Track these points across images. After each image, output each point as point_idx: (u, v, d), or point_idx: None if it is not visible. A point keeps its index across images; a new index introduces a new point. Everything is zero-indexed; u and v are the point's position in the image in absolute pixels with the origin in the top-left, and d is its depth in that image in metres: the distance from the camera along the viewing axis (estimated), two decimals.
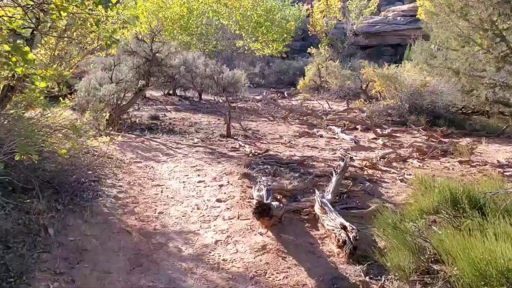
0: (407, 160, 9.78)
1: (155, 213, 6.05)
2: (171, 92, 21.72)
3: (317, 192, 6.19)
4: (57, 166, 6.42)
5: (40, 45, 9.37)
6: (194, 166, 8.54)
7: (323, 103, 18.81)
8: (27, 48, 4.18)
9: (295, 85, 29.13)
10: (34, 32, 8.47)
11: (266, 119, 15.66)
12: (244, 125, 13.13)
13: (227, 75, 21.87)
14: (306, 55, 36.97)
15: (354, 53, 34.76)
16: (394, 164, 9.33)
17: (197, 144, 10.58)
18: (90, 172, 7.26)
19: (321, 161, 9.10)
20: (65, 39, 8.27)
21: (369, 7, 35.82)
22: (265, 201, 5.49)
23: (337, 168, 7.42)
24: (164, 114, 15.55)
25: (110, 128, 11.69)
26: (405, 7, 38.62)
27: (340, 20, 38.01)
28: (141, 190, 6.92)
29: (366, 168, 8.74)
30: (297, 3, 40.38)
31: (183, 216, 5.98)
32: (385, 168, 8.82)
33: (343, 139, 11.84)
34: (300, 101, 21.19)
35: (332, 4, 36.85)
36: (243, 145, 10.47)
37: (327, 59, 24.64)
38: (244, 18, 32.69)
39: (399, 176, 8.24)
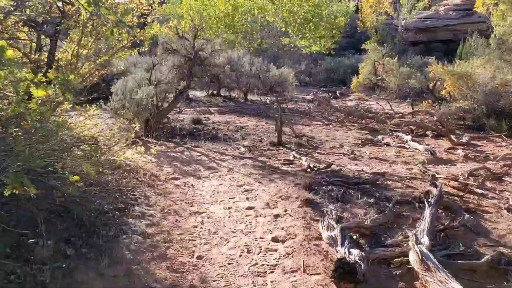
0: (503, 178, 7.87)
1: (192, 257, 4.60)
2: (215, 92, 20.47)
3: (410, 235, 4.54)
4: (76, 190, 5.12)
5: (65, 43, 8.25)
6: (241, 185, 7.07)
7: (383, 104, 16.88)
8: (2, 43, 2.83)
9: (346, 84, 27.30)
10: (57, 27, 7.33)
11: (320, 123, 14.00)
12: (296, 130, 11.54)
13: (274, 73, 20.43)
14: (354, 52, 34.93)
15: (405, 50, 32.43)
16: (488, 184, 7.47)
17: (244, 155, 9.12)
18: (117, 195, 5.97)
19: (396, 180, 7.38)
20: (92, 35, 7.06)
21: (422, 0, 33.37)
22: (347, 257, 3.91)
23: (427, 197, 5.72)
24: (207, 117, 14.23)
25: (148, 135, 10.49)
26: (458, 0, 35.57)
27: (390, 15, 35.84)
28: (176, 220, 5.52)
29: (455, 190, 6.96)
30: (340, 1, 38.54)
31: (229, 263, 4.50)
32: (480, 191, 6.99)
33: (415, 149, 9.99)
34: (355, 102, 19.36)
35: None
36: (298, 156, 8.91)
37: (384, 56, 22.58)
38: (291, 14, 31.13)
39: (503, 204, 6.40)
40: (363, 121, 14.12)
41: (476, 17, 29.14)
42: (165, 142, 10.21)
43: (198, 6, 33.12)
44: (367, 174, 7.66)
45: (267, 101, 18.87)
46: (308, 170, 7.90)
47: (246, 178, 7.43)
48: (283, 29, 32.30)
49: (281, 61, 32.01)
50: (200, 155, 9.02)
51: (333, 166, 8.12)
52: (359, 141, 11.16)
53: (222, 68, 13.63)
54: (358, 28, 35.29)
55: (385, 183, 7.11)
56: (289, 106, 17.93)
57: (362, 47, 30.15)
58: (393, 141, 11.07)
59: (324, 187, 6.62)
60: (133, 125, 7.98)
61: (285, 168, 8.18)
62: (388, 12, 35.27)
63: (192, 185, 7.10)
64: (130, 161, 7.49)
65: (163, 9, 34.62)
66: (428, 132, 12.08)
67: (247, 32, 32.71)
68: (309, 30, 31.80)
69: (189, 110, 16.00)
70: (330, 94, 22.29)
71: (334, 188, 6.56)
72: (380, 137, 11.46)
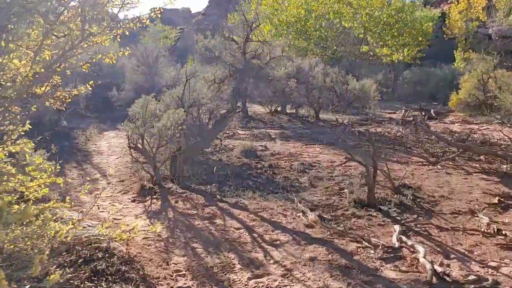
0: None
1: None
2: (279, 109, 16.96)
3: None
4: None
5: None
6: None
7: (504, 131, 12.32)
8: None
9: (438, 100, 22.74)
10: None
11: (422, 160, 9.91)
12: (390, 172, 7.62)
13: (353, 86, 16.55)
14: (441, 62, 30.13)
15: (502, 60, 27.20)
16: None
17: (312, 233, 5.45)
18: None
19: None
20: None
21: None
22: None
23: None
24: (265, 146, 10.71)
25: (174, 179, 7.22)
26: None
27: (483, 21, 30.98)
28: None
29: None
30: (425, 7, 33.95)
31: None
32: None
33: None
34: (459, 125, 14.92)
35: (475, 3, 29.99)
36: (408, 242, 5.09)
37: (495, 67, 17.81)
38: (371, 19, 27.10)
39: None
40: (484, 158, 9.88)
41: None
42: (194, 192, 6.86)
43: (268, 11, 30.15)
44: None
45: (345, 121, 15.03)
46: (435, 281, 4.10)
47: None
48: (361, 35, 28.37)
49: (356, 71, 27.88)
50: (239, 228, 5.50)
51: (479, 271, 4.21)
52: (494, 198, 7.06)
53: (287, 81, 10.02)
54: (445, 36, 31.05)
55: None
56: (374, 129, 13.97)
57: (460, 56, 25.71)
58: None
59: None
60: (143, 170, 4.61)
61: (390, 274, 4.39)
62: (481, 18, 30.80)
63: None
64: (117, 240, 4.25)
65: (234, 17, 32.03)
66: None
67: (321, 39, 29.14)
68: (391, 37, 27.63)
69: (244, 133, 12.62)
70: (423, 113, 17.87)
71: None
72: None
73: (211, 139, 7.73)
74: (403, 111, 18.34)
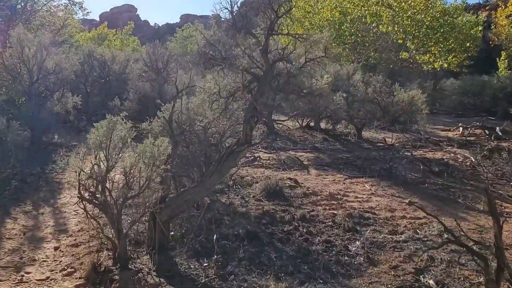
0: None
1: None
2: (312, 124, 14.13)
3: None
4: None
5: None
6: None
7: None
8: None
9: (494, 113, 19.75)
10: None
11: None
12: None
13: (401, 98, 13.56)
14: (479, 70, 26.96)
15: None
16: None
17: None
18: None
19: None
20: None
21: None
22: None
23: None
24: (295, 181, 7.95)
25: (154, 248, 4.55)
26: None
27: None
28: None
29: None
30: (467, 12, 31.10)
31: None
32: None
33: None
34: None
35: None
36: None
37: None
38: (413, 22, 24.02)
39: None
40: None
41: None
42: (178, 279, 4.16)
43: (300, 14, 27.50)
44: None
45: (394, 143, 12.06)
46: None
47: None
48: (400, 41, 25.30)
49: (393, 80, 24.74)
50: None
51: None
52: None
53: (326, 91, 7.17)
54: (490, 42, 28.47)
55: None
56: (430, 155, 10.97)
57: (504, 64, 23.02)
58: None
59: None
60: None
61: None
62: None
63: None
64: None
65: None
66: None
67: (357, 43, 26.28)
68: (435, 42, 24.52)
69: (268, 158, 9.86)
70: (486, 130, 14.68)
71: None
72: None
73: (212, 185, 4.97)
74: (460, 128, 15.22)
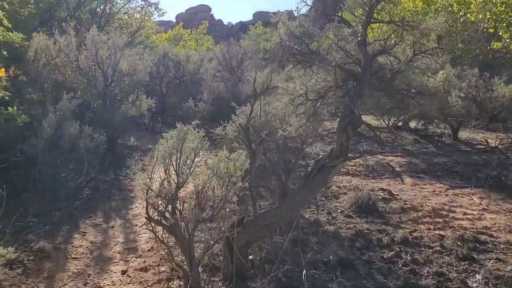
0: None
1: None
2: (400, 124, 12.80)
3: None
4: None
5: None
6: None
7: None
8: None
9: None
10: None
11: None
12: None
13: (501, 92, 11.81)
14: None
15: None
16: None
17: None
18: None
19: None
20: None
21: None
22: None
23: None
24: (389, 192, 6.90)
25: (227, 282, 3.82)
26: None
27: None
28: None
29: None
30: None
31: None
32: None
33: None
34: None
35: None
36: None
37: None
38: (508, 8, 21.40)
39: None
40: None
41: None
42: None
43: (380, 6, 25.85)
44: None
45: (498, 145, 10.46)
46: None
47: None
48: (491, 30, 22.72)
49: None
50: None
51: None
52: None
53: (440, 90, 6.02)
54: None
55: None
56: None
57: None
58: None
59: None
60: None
61: None
62: None
63: None
64: None
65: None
66: None
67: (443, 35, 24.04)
68: None
69: (354, 164, 8.84)
70: None
71: None
72: None
73: (299, 206, 4.13)
74: None
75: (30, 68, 8.28)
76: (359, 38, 3.81)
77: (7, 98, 6.02)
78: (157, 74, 14.92)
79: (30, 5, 11.68)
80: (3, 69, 6.48)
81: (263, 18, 57.63)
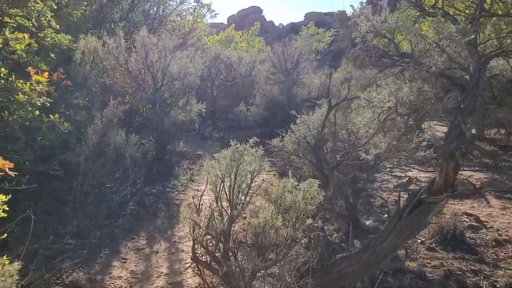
0: None
1: None
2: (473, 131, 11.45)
3: None
4: None
5: None
6: None
7: None
8: None
9: None
10: None
11: None
12: None
13: None
14: None
15: None
16: None
17: None
18: None
19: None
20: None
21: None
22: None
23: None
24: (475, 218, 5.83)
25: None
26: None
27: None
28: None
29: None
30: None
31: None
32: None
33: None
34: None
35: None
36: None
37: None
38: None
39: None
40: None
41: None
42: None
43: None
44: None
45: None
46: None
47: None
48: None
49: None
50: None
51: None
52: None
53: None
54: None
55: None
56: None
57: None
58: None
59: None
60: None
61: None
62: None
63: None
64: None
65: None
66: None
67: None
68: None
69: (426, 179, 7.76)
70: None
71: None
72: None
73: (389, 253, 3.23)
74: None
75: (76, 71, 7.87)
76: (472, 37, 2.88)
77: (48, 104, 5.53)
78: (208, 76, 14.38)
79: (83, 7, 11.43)
80: (46, 73, 6.03)
81: (315, 19, 56.40)
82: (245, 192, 3.38)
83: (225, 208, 3.28)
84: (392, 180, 8.00)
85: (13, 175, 3.55)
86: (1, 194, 3.32)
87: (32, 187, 5.62)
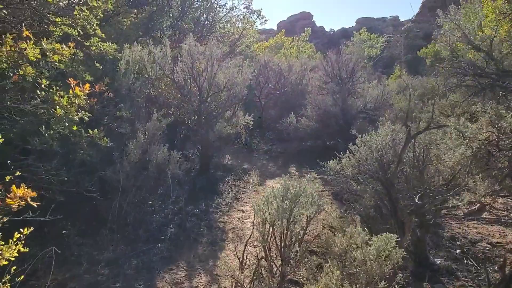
0: None
1: None
2: None
3: None
4: None
5: None
6: None
7: None
8: None
9: None
10: None
11: None
12: None
13: None
14: None
15: None
16: None
17: None
18: None
19: None
20: None
21: None
22: None
23: None
24: None
25: None
26: None
27: None
28: None
29: None
30: None
31: None
32: None
33: None
34: None
35: None
36: None
37: None
38: None
39: None
40: None
41: None
42: None
43: None
44: None
45: None
46: None
47: None
48: None
49: None
50: None
51: None
52: None
53: None
54: None
55: None
56: None
57: None
58: None
59: None
60: None
61: None
62: None
63: None
64: None
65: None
66: None
67: None
68: None
69: (502, 206, 6.79)
70: None
71: None
72: None
73: None
74: None
75: (121, 81, 7.54)
76: None
77: (87, 119, 5.16)
78: (257, 85, 13.87)
79: (133, 15, 11.26)
80: (87, 85, 5.68)
81: (367, 24, 54.87)
82: (299, 238, 2.75)
83: (274, 260, 2.67)
84: (461, 205, 7.06)
85: (35, 206, 3.13)
86: (25, 228, 2.89)
87: (71, 205, 5.29)
